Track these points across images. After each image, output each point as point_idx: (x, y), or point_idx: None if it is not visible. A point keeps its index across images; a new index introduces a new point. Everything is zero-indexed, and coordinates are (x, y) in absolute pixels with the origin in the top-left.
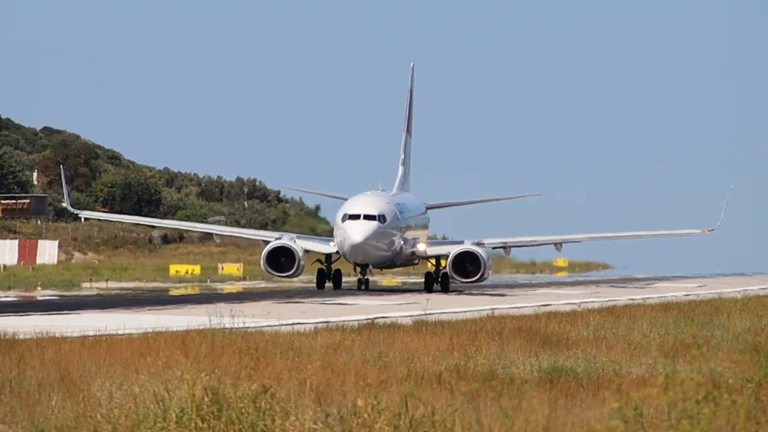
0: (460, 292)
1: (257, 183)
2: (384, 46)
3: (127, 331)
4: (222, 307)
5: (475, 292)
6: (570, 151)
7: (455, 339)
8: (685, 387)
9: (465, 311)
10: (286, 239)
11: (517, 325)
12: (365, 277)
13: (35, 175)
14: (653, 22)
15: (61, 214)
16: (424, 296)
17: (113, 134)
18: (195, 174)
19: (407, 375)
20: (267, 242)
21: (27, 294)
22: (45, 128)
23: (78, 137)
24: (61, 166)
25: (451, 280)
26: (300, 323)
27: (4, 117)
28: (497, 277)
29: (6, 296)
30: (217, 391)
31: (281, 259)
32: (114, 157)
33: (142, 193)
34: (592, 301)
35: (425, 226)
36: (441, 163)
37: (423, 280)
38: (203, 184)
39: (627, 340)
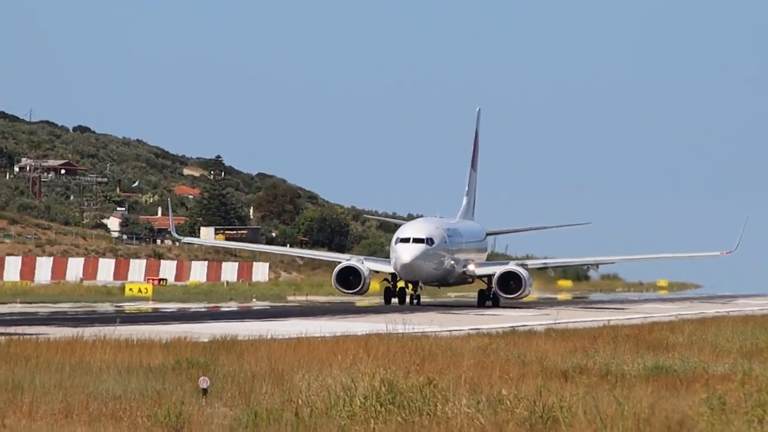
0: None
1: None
2: (455, 91)
3: (323, 335)
4: (395, 316)
5: (596, 306)
6: (615, 184)
7: (578, 343)
8: (759, 382)
9: (587, 321)
10: (354, 260)
11: (628, 332)
12: (417, 293)
13: (251, 210)
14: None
15: (271, 242)
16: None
17: (313, 178)
18: (376, 210)
19: (540, 371)
20: (338, 263)
21: (245, 304)
22: (259, 173)
23: (284, 181)
24: (169, 200)
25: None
26: (456, 329)
27: (227, 165)
28: (612, 295)
29: (228, 306)
30: (392, 382)
31: (350, 278)
32: (312, 197)
33: (333, 226)
34: (687, 314)
35: (481, 249)
36: (512, 193)
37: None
38: (381, 219)
39: (714, 344)
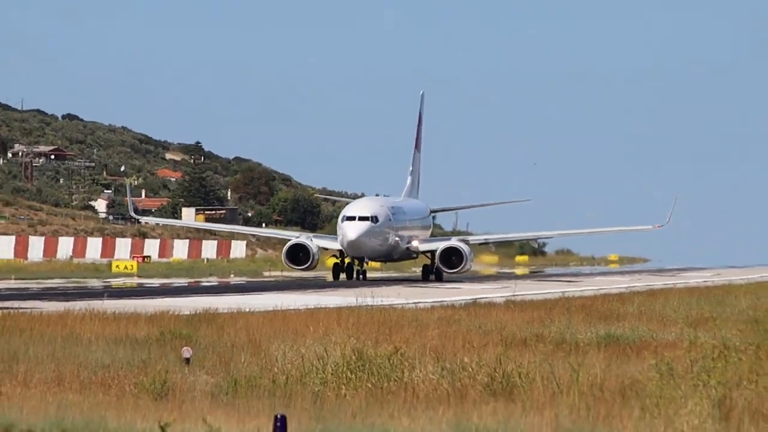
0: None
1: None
2: (398, 74)
3: (297, 307)
4: (364, 290)
5: (551, 279)
6: (558, 159)
7: (535, 313)
8: (703, 349)
9: (543, 293)
10: (304, 238)
11: (581, 303)
12: (362, 269)
13: (229, 192)
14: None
15: (247, 221)
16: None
17: (286, 161)
18: (346, 191)
19: (500, 340)
20: (287, 240)
21: (224, 280)
22: (236, 158)
23: (260, 164)
24: (127, 180)
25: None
26: (421, 302)
27: (206, 150)
28: (566, 269)
29: (208, 281)
30: (361, 351)
31: (299, 254)
32: (286, 179)
33: (306, 206)
34: (636, 286)
35: (426, 227)
36: (457, 171)
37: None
38: (350, 201)
39: (661, 314)
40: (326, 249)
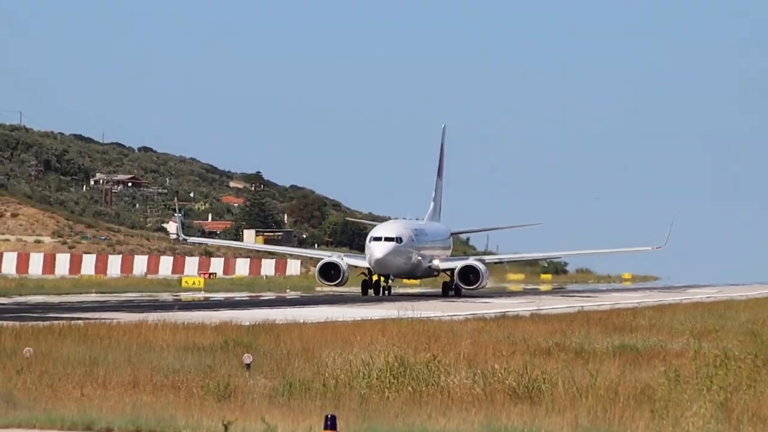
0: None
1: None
2: (421, 106)
3: (345, 319)
4: (406, 304)
5: (572, 295)
6: (568, 190)
7: (557, 325)
8: (707, 358)
9: (564, 308)
10: (335, 257)
11: (598, 317)
12: (388, 285)
13: (286, 216)
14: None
15: (302, 243)
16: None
17: (337, 188)
18: (389, 216)
19: (527, 349)
20: (320, 259)
21: (281, 294)
22: (292, 185)
23: (313, 192)
24: (176, 209)
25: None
26: (456, 314)
27: (266, 178)
28: (585, 286)
29: (267, 296)
30: (403, 358)
31: (331, 272)
32: (336, 205)
33: (354, 229)
34: (647, 301)
35: (446, 247)
36: (477, 196)
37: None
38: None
39: (670, 327)
40: (356, 267)
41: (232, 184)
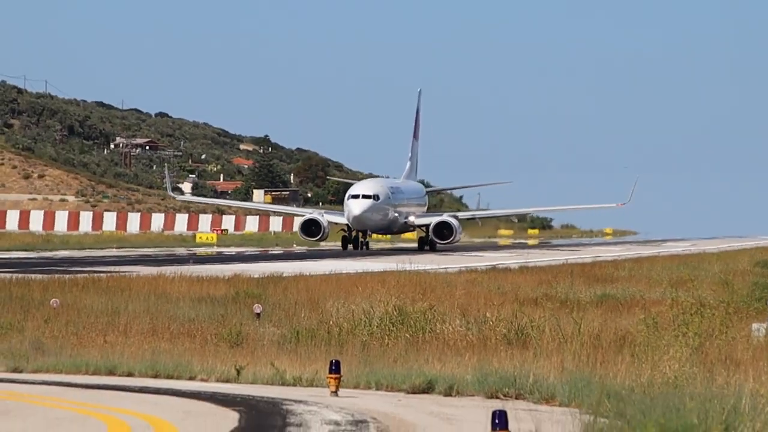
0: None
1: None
2: (396, 68)
3: (348, 271)
4: (403, 258)
5: (557, 248)
6: (539, 142)
7: (544, 277)
8: (683, 306)
9: (550, 260)
10: (316, 214)
11: (581, 269)
12: (366, 240)
13: (292, 177)
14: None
15: (307, 201)
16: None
17: (340, 150)
18: (387, 176)
19: (515, 299)
20: (302, 216)
21: (288, 249)
22: (298, 148)
23: (317, 154)
24: (166, 165)
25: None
26: (450, 267)
27: (274, 141)
28: (569, 240)
29: (275, 250)
30: (401, 308)
31: (312, 228)
32: (338, 166)
33: None
34: (627, 254)
35: (421, 205)
36: (453, 155)
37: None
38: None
39: (648, 277)
40: (335, 223)
41: (242, 146)
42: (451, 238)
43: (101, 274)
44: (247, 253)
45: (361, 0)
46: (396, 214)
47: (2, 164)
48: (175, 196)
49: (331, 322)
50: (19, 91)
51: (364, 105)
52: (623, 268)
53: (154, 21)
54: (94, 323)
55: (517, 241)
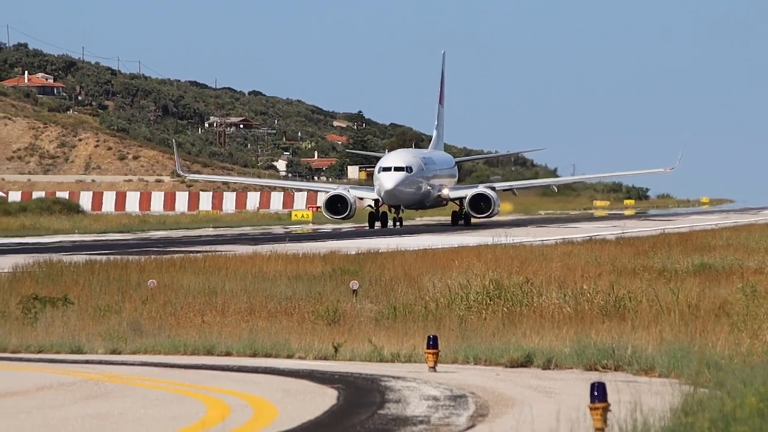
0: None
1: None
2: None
3: (443, 246)
4: (499, 231)
5: (653, 218)
6: (572, 115)
7: (641, 247)
8: None
9: (647, 231)
10: (341, 189)
11: (678, 238)
12: (399, 216)
13: (386, 152)
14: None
15: None
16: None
17: (432, 126)
18: (481, 150)
19: (612, 270)
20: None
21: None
22: (391, 123)
23: (411, 129)
24: (174, 140)
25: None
26: (546, 239)
27: (367, 117)
28: (665, 210)
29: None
30: (498, 281)
31: (338, 205)
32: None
33: None
34: (724, 223)
35: (452, 176)
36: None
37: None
38: (486, 157)
39: (746, 246)
40: (362, 199)
41: (335, 123)
42: (490, 211)
43: (198, 254)
44: (342, 230)
45: None
46: (429, 187)
47: (97, 146)
48: (184, 174)
49: (427, 298)
50: (113, 72)
51: (458, 79)
52: (720, 237)
53: (244, 1)
54: (192, 303)
55: (613, 211)
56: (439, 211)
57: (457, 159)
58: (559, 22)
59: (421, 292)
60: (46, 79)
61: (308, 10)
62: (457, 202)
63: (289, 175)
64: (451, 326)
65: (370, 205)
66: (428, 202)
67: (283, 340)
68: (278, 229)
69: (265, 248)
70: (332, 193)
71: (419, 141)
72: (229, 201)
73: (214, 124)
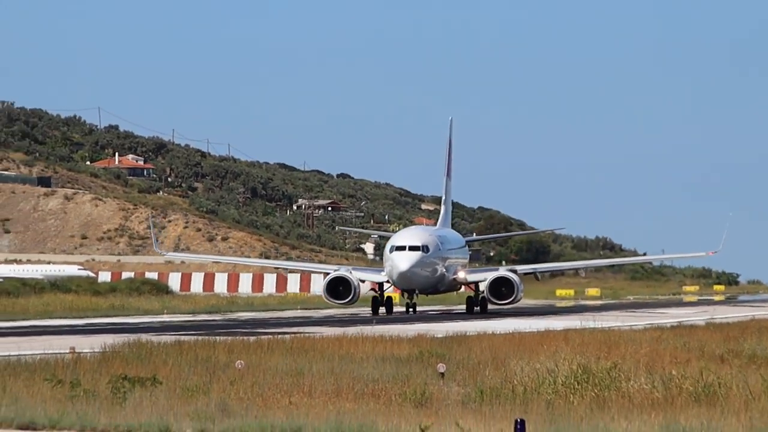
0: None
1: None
2: (429, 102)
3: (530, 330)
4: (587, 315)
5: (744, 304)
6: (588, 190)
7: (731, 333)
8: None
9: (737, 316)
10: (343, 270)
11: None
12: (413, 302)
13: (474, 235)
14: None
15: (489, 260)
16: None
17: (521, 209)
18: (569, 234)
19: (702, 355)
20: (327, 274)
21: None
22: (479, 207)
23: (499, 212)
24: (151, 219)
25: (489, 303)
26: (635, 324)
27: (455, 201)
28: (755, 296)
29: (456, 308)
30: (586, 366)
31: (339, 288)
32: (521, 224)
33: (537, 247)
34: None
35: (465, 257)
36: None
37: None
38: (574, 240)
39: None
40: (363, 282)
41: (423, 206)
42: (512, 297)
43: (285, 336)
44: (429, 313)
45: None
46: (444, 270)
47: (187, 227)
48: (161, 252)
49: (515, 381)
50: (203, 154)
51: (546, 162)
52: None
53: (333, 85)
54: (279, 384)
55: (703, 297)
56: (448, 296)
57: (467, 239)
58: (608, 106)
59: (508, 376)
60: (137, 161)
61: (394, 94)
62: (472, 286)
63: (377, 258)
64: (539, 410)
65: (373, 289)
66: (442, 286)
67: (369, 422)
68: (365, 311)
69: (352, 330)
70: (333, 274)
71: (508, 225)
72: (318, 283)
73: (303, 207)
